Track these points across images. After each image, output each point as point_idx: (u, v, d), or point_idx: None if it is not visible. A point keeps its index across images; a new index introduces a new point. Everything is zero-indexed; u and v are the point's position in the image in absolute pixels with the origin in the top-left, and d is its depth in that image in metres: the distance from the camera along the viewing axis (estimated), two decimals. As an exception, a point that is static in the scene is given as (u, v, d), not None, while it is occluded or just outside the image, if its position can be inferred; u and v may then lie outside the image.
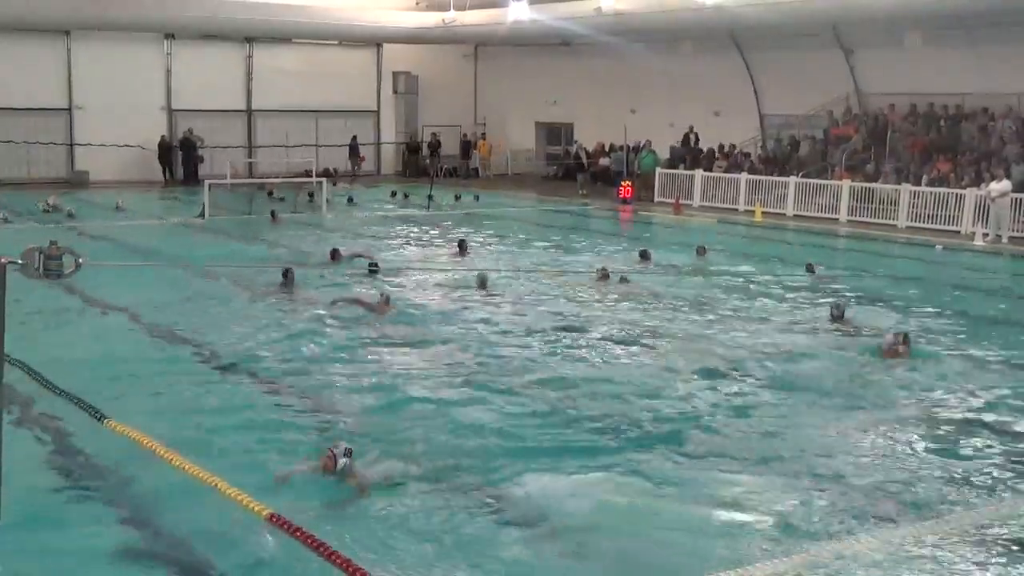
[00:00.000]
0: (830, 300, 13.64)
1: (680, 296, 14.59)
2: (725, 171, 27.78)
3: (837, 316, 12.83)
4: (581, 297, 14.50)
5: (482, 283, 14.74)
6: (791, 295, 14.79)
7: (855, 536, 6.54)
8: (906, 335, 11.32)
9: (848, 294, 14.89)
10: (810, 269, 16.36)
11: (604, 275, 15.39)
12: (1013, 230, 21.11)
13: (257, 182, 27.86)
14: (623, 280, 15.31)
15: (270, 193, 26.20)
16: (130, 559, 6.08)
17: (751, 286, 15.50)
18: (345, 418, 8.81)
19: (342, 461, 7.02)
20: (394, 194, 29.16)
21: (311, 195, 26.66)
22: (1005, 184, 21.05)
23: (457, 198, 27.57)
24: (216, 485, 6.89)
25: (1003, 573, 6.08)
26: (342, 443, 7.18)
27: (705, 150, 29.69)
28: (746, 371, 10.52)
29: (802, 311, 13.60)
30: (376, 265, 15.98)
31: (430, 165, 33.73)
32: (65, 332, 11.87)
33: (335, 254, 16.73)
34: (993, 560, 6.24)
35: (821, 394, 9.76)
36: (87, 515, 6.74)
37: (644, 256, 17.50)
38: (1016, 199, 21.26)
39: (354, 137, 35.29)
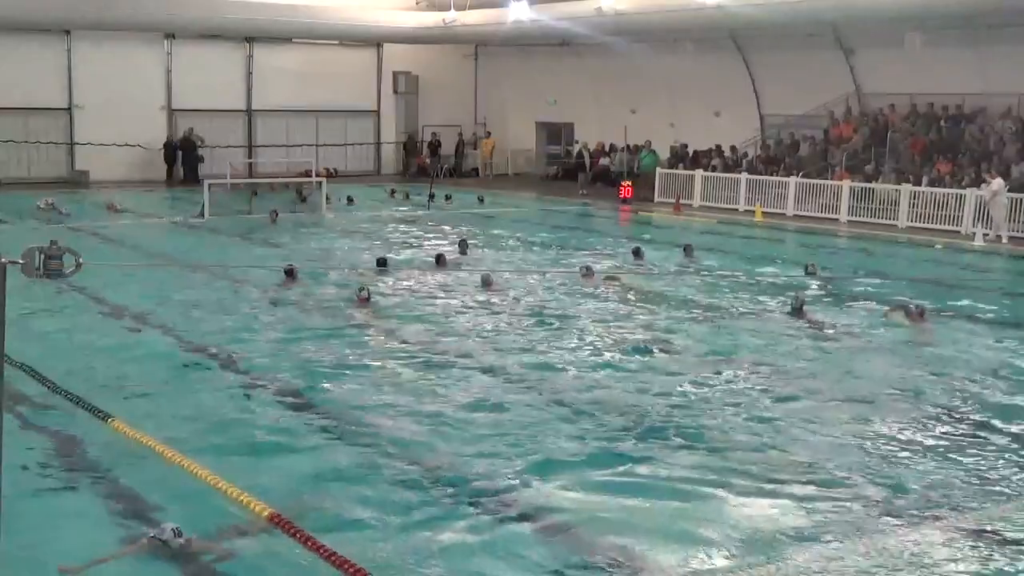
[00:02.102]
0: (792, 294, 13.85)
1: (665, 294, 14.72)
2: (719, 170, 27.81)
3: (797, 308, 13.13)
4: (569, 295, 14.58)
5: (486, 283, 14.74)
6: (786, 294, 14.80)
7: (860, 536, 6.56)
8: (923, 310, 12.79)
9: (846, 294, 14.96)
10: (810, 271, 16.37)
11: (588, 273, 15.51)
12: (1012, 230, 21.14)
13: (257, 182, 27.87)
14: (608, 278, 15.49)
15: (254, 193, 26.11)
16: (131, 562, 6.07)
17: (743, 285, 15.61)
18: (343, 419, 8.82)
19: (176, 543, 5.98)
20: (392, 192, 29.18)
21: (300, 192, 26.77)
22: (998, 183, 21.13)
23: (448, 198, 27.48)
24: (218, 486, 6.90)
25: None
26: (167, 524, 6.08)
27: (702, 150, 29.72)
28: (738, 369, 10.56)
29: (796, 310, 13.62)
30: (384, 261, 16.02)
31: (430, 165, 33.76)
32: (64, 332, 11.87)
33: (382, 262, 16.37)
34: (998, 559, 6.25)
35: (819, 393, 9.78)
36: (88, 516, 6.74)
37: (637, 254, 17.64)
38: (1016, 199, 21.29)
39: (434, 134, 35.59)
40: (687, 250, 18.33)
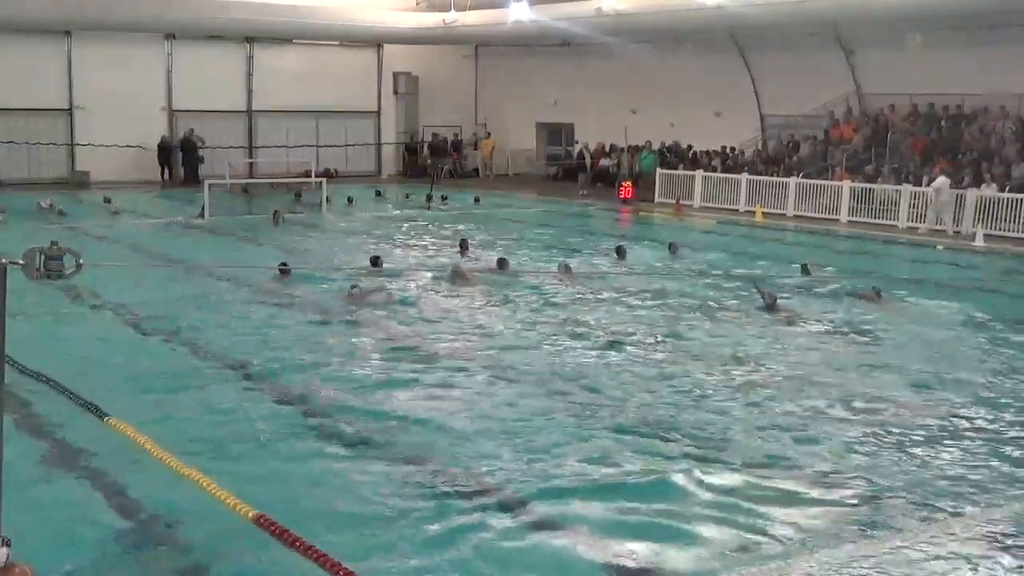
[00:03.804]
0: (767, 289, 13.92)
1: (647, 293, 14.73)
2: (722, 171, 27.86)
3: (769, 304, 13.20)
4: (561, 294, 14.58)
5: (456, 274, 14.92)
6: (783, 294, 14.84)
7: (863, 536, 6.56)
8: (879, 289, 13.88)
9: (839, 291, 14.98)
10: (805, 270, 16.37)
11: (567, 270, 15.55)
12: (1012, 230, 21.20)
13: (257, 183, 27.93)
14: (586, 276, 15.67)
15: (245, 190, 26.04)
16: (128, 562, 6.08)
17: (728, 283, 15.66)
18: (343, 420, 8.82)
19: (2, 552, 5.32)
20: (378, 193, 29.08)
21: (299, 195, 26.78)
22: (940, 180, 21.76)
23: (444, 199, 27.41)
24: (207, 487, 6.89)
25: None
26: None
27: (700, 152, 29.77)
28: (729, 368, 10.57)
29: (790, 309, 13.65)
30: (379, 261, 16.00)
31: (430, 166, 33.78)
32: (64, 332, 11.88)
33: (376, 261, 16.12)
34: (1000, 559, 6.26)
35: (816, 391, 9.80)
36: (85, 516, 6.75)
37: (620, 254, 17.65)
38: (1016, 199, 21.33)
39: (435, 135, 36.04)
40: (672, 248, 18.57)
